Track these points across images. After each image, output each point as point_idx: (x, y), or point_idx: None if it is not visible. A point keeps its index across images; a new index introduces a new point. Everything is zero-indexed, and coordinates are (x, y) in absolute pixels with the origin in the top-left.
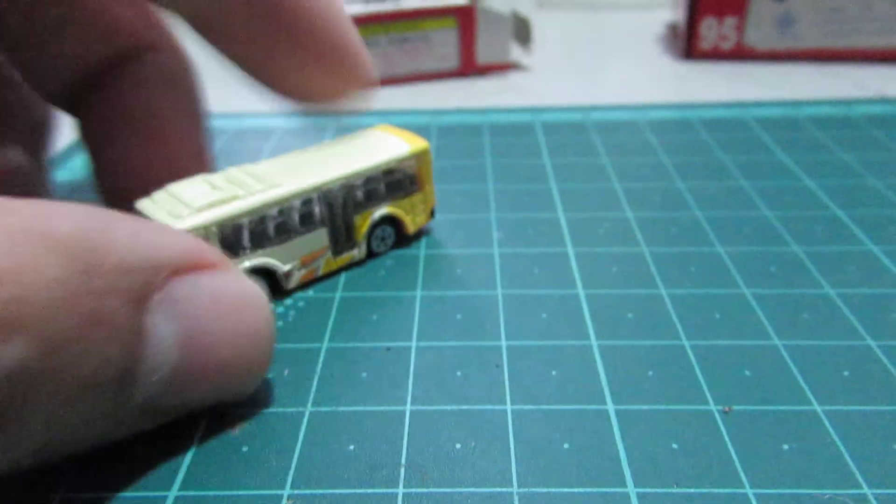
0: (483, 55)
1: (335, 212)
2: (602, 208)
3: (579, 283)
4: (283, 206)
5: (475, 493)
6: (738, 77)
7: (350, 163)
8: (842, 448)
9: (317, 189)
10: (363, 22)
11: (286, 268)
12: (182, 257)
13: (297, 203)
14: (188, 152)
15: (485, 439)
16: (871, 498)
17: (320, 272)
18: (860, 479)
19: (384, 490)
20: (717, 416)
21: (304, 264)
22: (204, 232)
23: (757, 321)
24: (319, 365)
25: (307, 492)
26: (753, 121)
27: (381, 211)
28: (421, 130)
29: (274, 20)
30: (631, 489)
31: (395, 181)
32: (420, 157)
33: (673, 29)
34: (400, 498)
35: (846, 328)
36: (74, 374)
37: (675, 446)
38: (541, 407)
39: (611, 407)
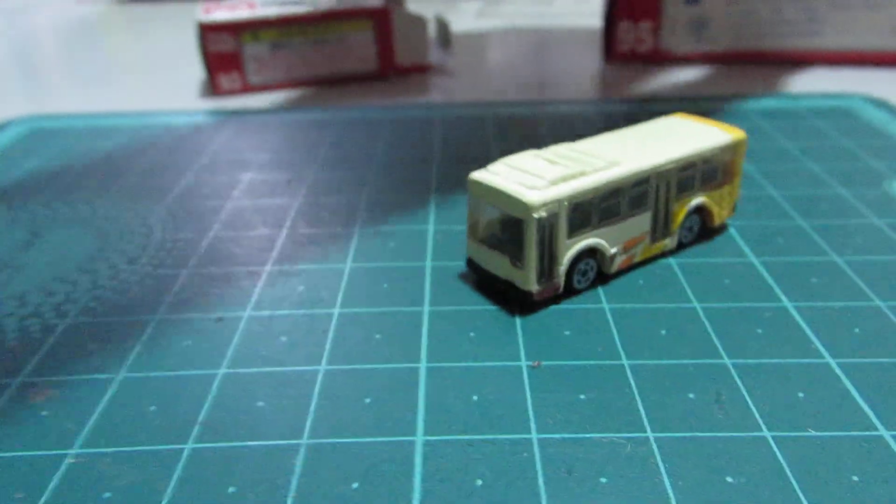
0: (403, 57)
1: (660, 197)
2: None
3: (429, 257)
4: (624, 185)
5: (262, 446)
6: (643, 77)
7: (678, 147)
8: (637, 397)
9: (655, 170)
10: (279, 24)
11: (613, 251)
12: None
13: (631, 184)
14: None
15: (289, 397)
16: (652, 441)
17: (637, 259)
18: (646, 424)
19: (175, 446)
20: (524, 370)
21: (625, 249)
22: (557, 205)
23: (595, 292)
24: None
25: (95, 450)
26: (646, 115)
27: (697, 200)
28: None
29: None
30: (419, 437)
31: (711, 170)
32: (738, 147)
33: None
34: (186, 453)
35: (678, 291)
36: None
37: (475, 398)
38: (354, 366)
39: (423, 365)
